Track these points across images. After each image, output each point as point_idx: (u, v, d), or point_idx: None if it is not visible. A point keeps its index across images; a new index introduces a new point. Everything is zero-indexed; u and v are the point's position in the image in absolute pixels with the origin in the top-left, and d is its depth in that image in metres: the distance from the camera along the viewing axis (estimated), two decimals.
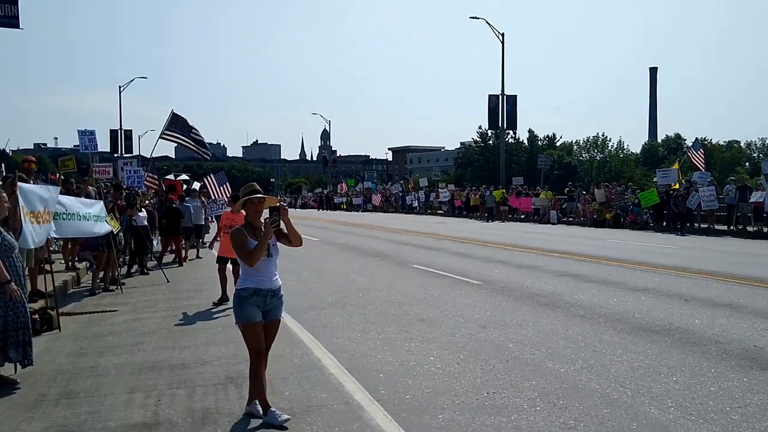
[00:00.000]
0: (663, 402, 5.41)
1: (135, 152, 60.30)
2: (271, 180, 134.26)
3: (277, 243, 5.39)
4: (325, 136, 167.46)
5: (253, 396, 5.30)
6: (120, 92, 54.70)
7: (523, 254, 17.18)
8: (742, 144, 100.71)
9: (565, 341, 7.56)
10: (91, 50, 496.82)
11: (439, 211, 45.22)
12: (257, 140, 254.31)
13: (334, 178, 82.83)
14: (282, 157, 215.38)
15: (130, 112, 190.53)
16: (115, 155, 51.46)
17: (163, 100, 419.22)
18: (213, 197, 21.10)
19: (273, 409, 5.16)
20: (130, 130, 56.71)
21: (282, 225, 5.30)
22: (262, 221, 5.32)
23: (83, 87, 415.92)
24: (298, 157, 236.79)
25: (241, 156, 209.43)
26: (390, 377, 6.26)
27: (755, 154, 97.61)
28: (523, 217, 35.77)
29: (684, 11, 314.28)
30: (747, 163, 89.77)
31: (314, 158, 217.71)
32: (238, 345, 7.69)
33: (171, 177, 30.04)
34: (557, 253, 17.00)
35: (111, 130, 54.26)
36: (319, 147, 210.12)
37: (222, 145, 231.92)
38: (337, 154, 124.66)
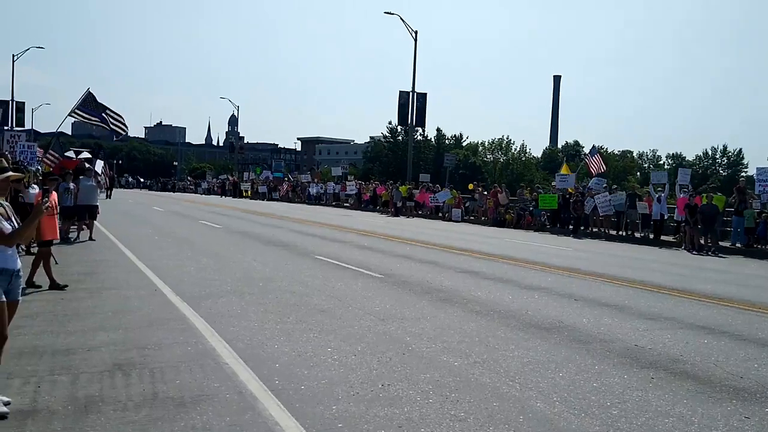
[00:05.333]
0: (549, 396, 5.62)
1: (27, 126, 57.06)
2: (174, 163, 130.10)
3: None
4: (233, 121, 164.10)
5: None
6: (13, 62, 51.60)
7: (425, 250, 17.46)
8: (634, 154, 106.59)
9: (461, 336, 7.72)
10: None
11: (345, 204, 45.26)
12: (161, 121, 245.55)
13: (240, 165, 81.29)
14: (187, 141, 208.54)
15: (24, 84, 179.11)
16: (6, 128, 48.40)
17: (62, 72, 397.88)
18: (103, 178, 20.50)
19: None
20: (23, 103, 53.58)
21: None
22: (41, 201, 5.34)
23: None
24: (203, 142, 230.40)
25: (143, 137, 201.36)
26: (286, 367, 6.19)
27: (646, 165, 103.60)
28: (428, 213, 36.35)
29: (591, 21, 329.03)
30: (638, 173, 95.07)
31: (221, 144, 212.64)
32: (128, 330, 7.42)
33: (71, 155, 28.44)
34: (458, 250, 17.38)
35: (1, 101, 50.92)
36: (227, 132, 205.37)
37: None
38: (245, 141, 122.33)
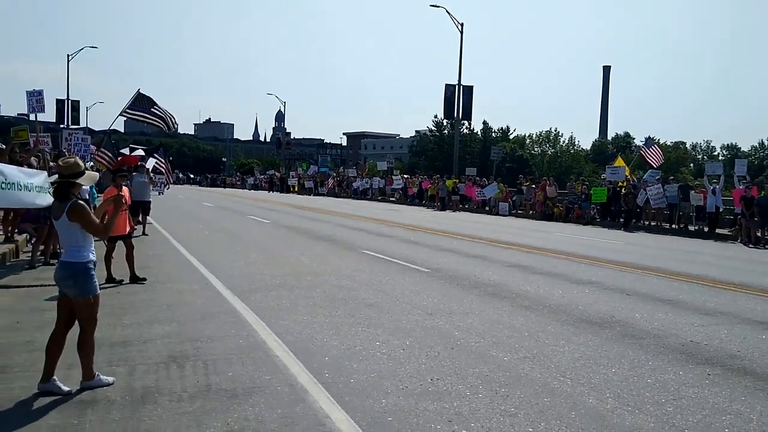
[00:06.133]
0: (601, 392, 5.53)
1: (82, 124, 58.70)
2: (223, 159, 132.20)
3: None
4: (280, 117, 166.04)
5: (52, 372, 5.28)
6: (68, 61, 53.09)
7: (473, 244, 17.35)
8: (687, 145, 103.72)
9: (510, 330, 7.66)
10: (40, 17, 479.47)
11: (391, 199, 45.30)
12: (210, 118, 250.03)
13: (287, 161, 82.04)
14: (235, 137, 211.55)
15: (78, 83, 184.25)
16: (61, 126, 49.83)
17: (114, 72, 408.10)
18: (164, 174, 20.78)
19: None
20: (78, 101, 54.96)
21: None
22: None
23: (30, 55, 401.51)
24: (251, 138, 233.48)
25: (193, 134, 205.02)
26: (335, 361, 6.24)
27: (699, 156, 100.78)
28: (475, 207, 36.12)
29: (640, 13, 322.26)
30: (691, 165, 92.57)
31: (268, 139, 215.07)
32: (181, 323, 7.58)
33: (126, 151, 29.00)
34: (506, 244, 17.23)
35: (57, 100, 52.31)
36: (273, 128, 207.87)
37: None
38: (291, 137, 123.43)
